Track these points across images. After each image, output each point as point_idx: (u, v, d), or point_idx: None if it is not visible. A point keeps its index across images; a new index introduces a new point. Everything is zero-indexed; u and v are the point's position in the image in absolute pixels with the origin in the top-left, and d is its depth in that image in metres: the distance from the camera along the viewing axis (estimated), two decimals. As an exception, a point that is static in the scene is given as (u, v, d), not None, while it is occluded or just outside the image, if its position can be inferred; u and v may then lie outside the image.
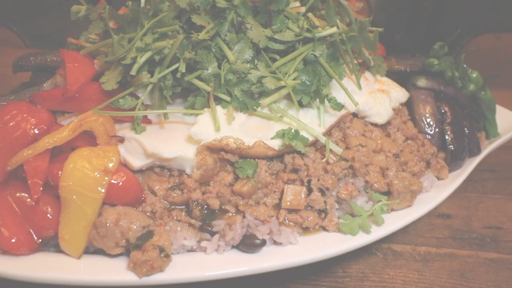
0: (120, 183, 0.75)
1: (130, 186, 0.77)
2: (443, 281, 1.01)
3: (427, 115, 1.11)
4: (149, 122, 0.84)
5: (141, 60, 0.78)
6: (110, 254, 0.74)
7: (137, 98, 0.82)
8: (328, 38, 0.95)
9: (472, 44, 2.54)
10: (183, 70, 0.81)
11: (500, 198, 1.30)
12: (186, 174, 0.82)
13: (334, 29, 0.94)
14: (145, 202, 0.79)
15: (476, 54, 1.64)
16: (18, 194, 0.75)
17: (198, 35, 0.81)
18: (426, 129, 1.10)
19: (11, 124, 0.75)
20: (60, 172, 0.74)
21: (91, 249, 0.76)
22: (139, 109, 0.80)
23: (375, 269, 1.03)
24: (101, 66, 0.85)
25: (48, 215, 0.74)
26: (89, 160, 0.74)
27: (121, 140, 0.80)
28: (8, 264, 0.70)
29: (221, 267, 0.74)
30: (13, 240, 0.71)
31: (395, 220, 0.89)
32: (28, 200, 0.74)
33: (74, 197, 0.72)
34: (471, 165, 1.10)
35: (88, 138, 0.80)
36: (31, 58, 0.97)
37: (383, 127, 1.04)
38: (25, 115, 0.76)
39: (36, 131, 0.76)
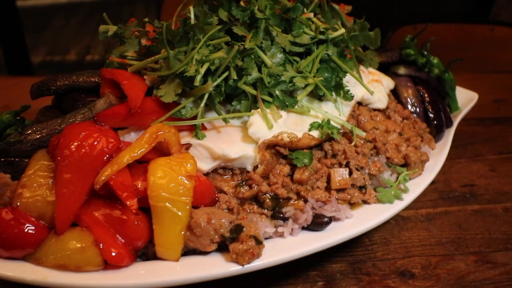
0: (199, 186, 0.81)
1: (207, 188, 0.83)
2: (448, 234, 1.20)
3: (411, 97, 1.30)
4: (205, 128, 0.90)
5: (202, 71, 0.84)
6: (203, 252, 0.79)
7: (196, 107, 0.87)
8: (336, 38, 1.08)
9: (394, 36, 2.88)
10: (235, 77, 0.88)
11: (464, 161, 1.54)
12: (248, 171, 0.90)
13: (342, 30, 1.08)
14: (219, 201, 0.85)
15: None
16: (103, 211, 0.77)
17: (242, 44, 0.89)
18: (412, 109, 1.28)
19: (85, 144, 0.77)
20: (140, 184, 0.78)
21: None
22: (200, 117, 0.86)
23: (393, 233, 1.19)
24: (151, 81, 0.89)
25: (135, 225, 0.77)
26: (170, 168, 0.79)
27: (189, 147, 0.85)
28: (115, 276, 0.72)
29: (303, 246, 0.83)
30: (113, 254, 0.73)
31: (416, 186, 1.05)
32: (115, 214, 0.77)
33: (166, 204, 0.76)
34: (449, 135, 1.31)
35: (153, 150, 0.84)
36: (58, 81, 0.96)
37: (383, 111, 1.21)
38: (96, 135, 0.78)
39: (111, 149, 0.79)
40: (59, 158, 0.76)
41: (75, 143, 0.76)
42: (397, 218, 1.24)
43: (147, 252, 0.80)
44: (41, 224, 0.75)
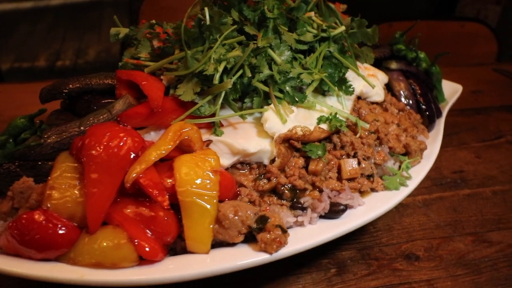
0: (223, 181, 0.84)
1: (229, 182, 0.86)
2: (445, 217, 1.27)
3: (404, 90, 1.36)
4: (221, 125, 0.93)
5: (220, 69, 0.87)
6: (230, 244, 0.82)
7: (214, 105, 0.90)
8: (336, 36, 1.13)
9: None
10: (250, 75, 0.92)
11: (451, 149, 1.63)
12: (264, 165, 0.93)
13: (342, 28, 1.13)
14: (240, 195, 0.88)
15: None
16: (132, 209, 0.79)
17: (255, 42, 0.92)
18: (406, 102, 1.35)
19: (112, 144, 0.78)
20: (167, 181, 0.80)
21: (206, 245, 0.83)
22: (217, 115, 0.89)
23: (395, 220, 1.25)
24: (168, 81, 0.91)
25: (165, 221, 0.79)
26: (196, 164, 0.81)
27: (209, 143, 0.88)
28: (151, 271, 0.74)
29: (323, 233, 0.87)
30: (147, 249, 0.75)
31: (418, 174, 1.11)
32: (145, 211, 0.79)
33: (195, 198, 0.79)
34: (440, 124, 1.38)
35: (175, 148, 0.86)
36: (70, 84, 0.97)
37: (380, 104, 1.27)
38: (122, 134, 0.80)
39: (136, 148, 0.80)
40: (86, 159, 0.77)
41: (102, 144, 0.77)
42: (397, 206, 1.30)
43: (175, 247, 0.82)
44: (73, 225, 0.76)
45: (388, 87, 1.38)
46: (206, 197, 0.79)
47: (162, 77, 0.92)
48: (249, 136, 0.93)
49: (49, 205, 0.75)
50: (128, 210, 0.78)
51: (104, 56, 8.00)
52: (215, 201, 0.80)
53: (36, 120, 1.04)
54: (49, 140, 0.85)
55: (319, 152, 0.95)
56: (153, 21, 1.06)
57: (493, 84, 2.30)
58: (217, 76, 0.87)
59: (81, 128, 0.87)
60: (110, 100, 0.94)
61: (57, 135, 0.86)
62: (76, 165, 0.81)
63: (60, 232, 0.73)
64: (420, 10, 6.17)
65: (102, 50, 8.29)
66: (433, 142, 1.28)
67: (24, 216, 0.73)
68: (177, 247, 0.82)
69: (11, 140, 0.92)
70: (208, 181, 0.80)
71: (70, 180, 0.78)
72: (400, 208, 1.30)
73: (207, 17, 0.88)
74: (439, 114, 1.41)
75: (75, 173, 0.80)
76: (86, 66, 7.67)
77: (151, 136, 0.90)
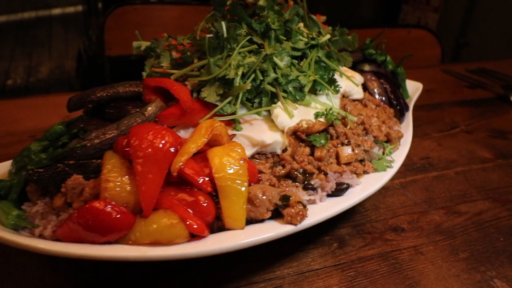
0: (249, 168, 0.98)
1: (253, 169, 1.01)
2: (420, 196, 1.48)
3: (377, 88, 1.57)
4: (239, 122, 1.08)
5: (240, 73, 1.01)
6: (259, 221, 0.97)
7: (234, 104, 1.05)
8: (323, 43, 1.31)
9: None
10: (261, 78, 1.07)
11: (417, 139, 1.86)
12: (277, 154, 1.09)
13: (328, 36, 1.31)
14: (262, 180, 1.03)
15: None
16: (176, 194, 0.91)
17: (263, 50, 1.08)
18: (380, 98, 1.56)
19: (157, 141, 0.91)
20: (205, 169, 0.94)
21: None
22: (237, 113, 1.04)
23: (380, 200, 1.45)
24: (192, 86, 1.05)
25: (205, 204, 0.93)
26: (227, 154, 0.95)
27: (232, 137, 1.02)
28: (201, 245, 0.87)
29: (333, 207, 1.04)
30: (195, 227, 0.88)
31: (399, 157, 1.31)
32: (188, 196, 0.91)
33: (229, 183, 0.93)
34: (409, 117, 1.60)
35: (204, 142, 0.99)
36: (98, 93, 1.08)
37: (360, 101, 1.46)
38: (164, 132, 0.93)
39: (176, 143, 0.93)
40: (134, 154, 0.89)
41: (148, 141, 0.90)
42: (380, 189, 1.49)
43: (213, 227, 0.95)
44: (129, 211, 0.87)
45: (363, 87, 1.58)
46: (238, 181, 0.93)
47: (186, 82, 1.06)
48: (263, 130, 1.08)
49: (107, 195, 0.86)
50: (174, 196, 0.91)
51: (58, 73, 7.83)
52: (246, 184, 0.94)
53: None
54: (92, 142, 0.96)
55: (322, 141, 1.12)
56: (165, 35, 1.19)
57: (443, 83, 2.60)
58: (238, 79, 1.01)
59: (119, 130, 0.98)
60: (139, 105, 1.06)
61: (98, 137, 0.97)
62: (122, 160, 0.92)
63: (120, 217, 0.84)
64: (368, 19, 6.60)
65: (55, 67, 8.10)
66: (406, 131, 1.49)
67: (88, 205, 0.84)
68: (214, 226, 0.95)
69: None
70: (239, 168, 0.94)
71: (120, 174, 0.90)
72: (383, 191, 1.50)
73: (224, 29, 1.03)
74: (407, 108, 1.63)
75: (123, 167, 0.91)
76: (39, 84, 7.47)
77: (180, 133, 1.03)
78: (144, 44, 1.15)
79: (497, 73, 2.73)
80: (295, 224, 0.95)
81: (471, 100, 2.37)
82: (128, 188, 0.89)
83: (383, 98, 1.56)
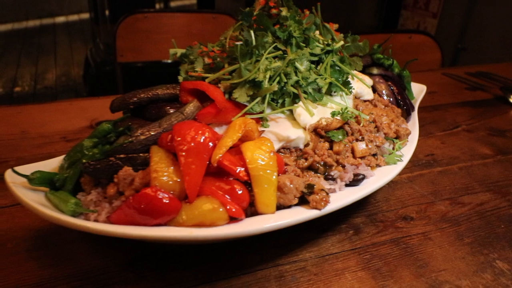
0: (278, 160, 1.11)
1: (280, 161, 1.13)
2: (426, 189, 1.61)
3: (385, 90, 1.70)
4: (266, 120, 1.20)
5: (267, 76, 1.14)
6: (287, 207, 1.09)
7: (262, 104, 1.17)
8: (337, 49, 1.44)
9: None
10: (285, 80, 1.20)
11: (421, 138, 1.99)
12: (300, 149, 1.21)
13: (341, 42, 1.44)
14: (287, 171, 1.15)
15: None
16: (215, 183, 1.04)
17: (286, 55, 1.21)
18: (388, 99, 1.68)
19: (197, 137, 1.03)
20: (240, 161, 1.06)
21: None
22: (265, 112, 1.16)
23: (389, 193, 1.57)
24: (224, 88, 1.17)
25: (240, 191, 1.05)
26: (259, 147, 1.08)
27: (262, 133, 1.15)
28: (240, 226, 0.99)
29: (351, 195, 1.16)
30: (234, 210, 1.00)
31: (408, 151, 1.43)
32: (224, 185, 1.04)
33: (261, 173, 1.05)
34: (415, 116, 1.73)
35: (236, 138, 1.12)
36: (138, 95, 1.20)
37: (370, 101, 1.59)
38: (204, 128, 1.05)
39: (214, 138, 1.06)
40: (179, 148, 1.01)
41: (190, 136, 1.02)
42: (389, 183, 1.63)
43: (246, 213, 1.07)
44: (175, 197, 1.00)
45: (373, 89, 1.71)
46: (269, 171, 1.06)
47: (219, 85, 1.18)
48: (287, 127, 1.21)
49: (156, 184, 0.98)
50: (213, 184, 1.03)
51: (64, 80, 7.97)
52: (276, 173, 1.07)
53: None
54: (138, 138, 1.08)
55: (340, 137, 1.25)
56: (196, 43, 1.32)
57: (444, 85, 2.73)
58: (266, 82, 1.14)
59: (162, 127, 1.10)
60: (176, 105, 1.19)
61: (143, 134, 1.09)
62: (167, 154, 1.05)
63: (169, 202, 0.96)
64: (368, 25, 6.76)
65: (61, 75, 8.24)
66: (413, 129, 1.62)
67: (142, 192, 0.96)
68: (248, 212, 1.07)
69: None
70: (269, 160, 1.07)
71: (166, 165, 1.02)
72: (392, 184, 1.62)
73: (253, 37, 1.16)
74: (413, 108, 1.76)
75: (168, 159, 1.03)
76: (47, 91, 7.61)
77: (215, 130, 1.15)
78: (180, 51, 1.28)
79: (495, 75, 2.87)
80: (320, 209, 1.07)
81: (471, 101, 2.51)
82: (174, 177, 1.01)
83: (391, 99, 1.69)
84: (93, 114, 2.07)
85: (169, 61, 4.35)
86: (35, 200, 1.04)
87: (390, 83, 1.74)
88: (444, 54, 4.02)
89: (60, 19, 11.83)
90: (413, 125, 1.66)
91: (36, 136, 1.85)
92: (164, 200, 0.96)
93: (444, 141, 1.99)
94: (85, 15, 11.98)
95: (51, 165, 1.24)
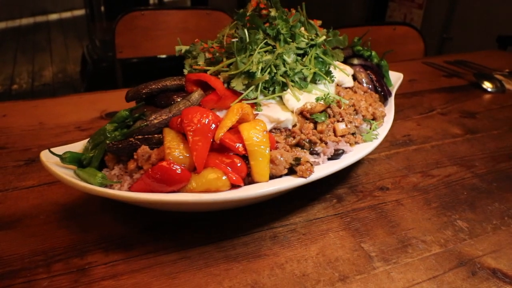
0: (270, 138, 1.32)
1: (272, 139, 1.34)
2: (401, 164, 1.83)
3: (364, 78, 1.92)
4: (260, 105, 1.42)
5: (260, 68, 1.35)
6: (278, 177, 1.31)
7: (255, 91, 1.39)
8: (320, 43, 1.66)
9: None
10: (275, 71, 1.41)
11: (399, 121, 2.21)
12: (289, 129, 1.43)
13: (324, 37, 1.65)
14: (278, 148, 1.37)
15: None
16: (218, 158, 1.25)
17: (276, 50, 1.42)
18: (367, 86, 1.90)
19: (203, 120, 1.24)
20: (238, 139, 1.27)
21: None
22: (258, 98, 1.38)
23: (369, 168, 1.79)
24: (224, 78, 1.39)
25: (239, 164, 1.26)
26: (253, 127, 1.29)
27: (256, 116, 1.36)
28: (240, 191, 1.20)
29: (333, 166, 1.38)
30: (234, 178, 1.22)
31: (383, 131, 1.65)
32: (225, 159, 1.25)
33: (256, 148, 1.26)
34: (391, 101, 1.95)
35: (234, 120, 1.33)
36: (150, 86, 1.41)
37: (351, 88, 1.81)
38: (207, 113, 1.26)
39: (216, 120, 1.27)
40: (187, 129, 1.22)
41: (197, 119, 1.23)
42: (369, 160, 1.85)
43: (244, 182, 1.29)
44: (186, 169, 1.21)
45: (353, 77, 1.92)
46: (263, 147, 1.27)
47: (219, 76, 1.39)
48: (277, 111, 1.42)
49: (170, 158, 1.20)
50: (216, 158, 1.25)
51: (61, 77, 8.11)
52: (268, 149, 1.28)
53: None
54: (152, 122, 1.29)
55: (323, 118, 1.46)
56: (197, 40, 1.52)
57: (424, 73, 2.95)
58: (258, 72, 1.35)
59: (171, 112, 1.31)
60: (183, 94, 1.40)
61: (156, 118, 1.30)
62: (177, 134, 1.26)
63: (181, 172, 1.17)
64: (357, 17, 6.96)
65: (58, 72, 8.38)
66: (389, 112, 1.84)
67: (159, 164, 1.17)
68: (245, 181, 1.29)
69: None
70: (262, 137, 1.28)
71: (177, 143, 1.23)
72: (371, 161, 1.84)
73: (247, 35, 1.37)
74: (390, 94, 1.98)
75: (179, 139, 1.24)
76: (44, 88, 7.75)
77: (217, 114, 1.36)
78: (184, 48, 1.48)
79: (471, 63, 3.10)
80: (305, 177, 1.29)
81: (447, 87, 2.74)
82: (184, 153, 1.22)
83: (370, 86, 1.91)
84: (102, 106, 2.27)
85: (164, 56, 4.52)
86: (69, 175, 1.25)
87: (369, 72, 1.96)
88: (429, 44, 4.25)
89: (54, 16, 11.93)
90: (390, 108, 1.88)
91: (53, 126, 2.05)
92: (177, 171, 1.17)
93: (420, 123, 2.21)
94: (79, 12, 12.08)
95: (76, 148, 1.44)
